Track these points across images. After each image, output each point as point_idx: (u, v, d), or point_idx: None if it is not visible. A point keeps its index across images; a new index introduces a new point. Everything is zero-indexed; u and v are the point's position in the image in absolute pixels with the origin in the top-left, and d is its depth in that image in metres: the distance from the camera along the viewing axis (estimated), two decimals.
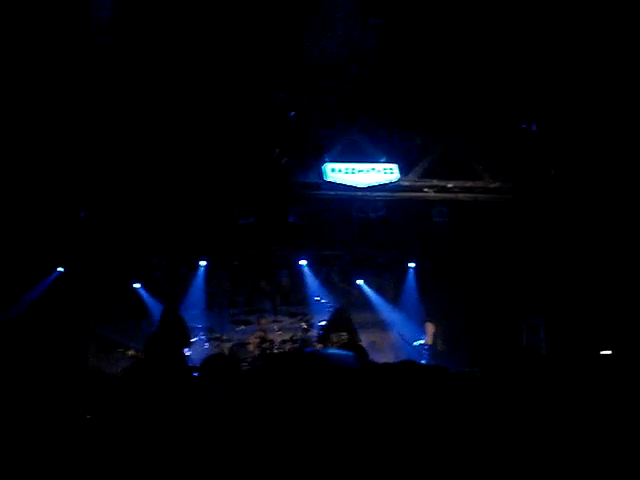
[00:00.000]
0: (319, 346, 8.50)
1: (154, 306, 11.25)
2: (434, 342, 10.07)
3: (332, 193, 10.03)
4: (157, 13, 8.20)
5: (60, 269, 10.69)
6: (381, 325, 12.02)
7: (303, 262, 11.65)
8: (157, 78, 8.88)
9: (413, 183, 10.12)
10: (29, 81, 8.29)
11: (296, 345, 10.33)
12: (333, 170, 9.80)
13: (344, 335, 8.71)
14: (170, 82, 8.99)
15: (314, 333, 11.20)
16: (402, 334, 10.95)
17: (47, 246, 9.96)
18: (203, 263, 11.54)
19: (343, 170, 9.83)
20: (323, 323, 10.25)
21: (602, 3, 8.02)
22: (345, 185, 9.84)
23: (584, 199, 10.37)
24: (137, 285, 11.31)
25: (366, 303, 12.11)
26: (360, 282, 12.37)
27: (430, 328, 10.15)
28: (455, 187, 10.19)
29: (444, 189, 10.21)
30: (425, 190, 10.20)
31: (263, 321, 10.44)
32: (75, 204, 9.60)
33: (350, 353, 0.88)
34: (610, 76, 9.05)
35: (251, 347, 8.45)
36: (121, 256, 10.66)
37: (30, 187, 9.09)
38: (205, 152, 9.52)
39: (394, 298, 12.39)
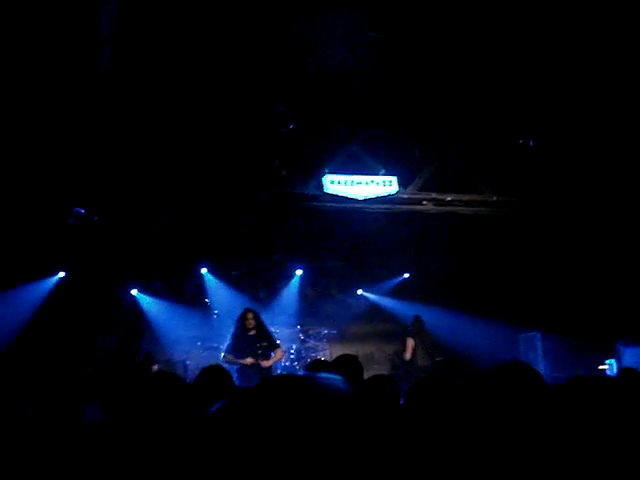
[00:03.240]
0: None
1: (153, 314, 11.29)
2: (414, 357, 10.04)
3: (331, 205, 10.06)
4: (160, 21, 8.24)
5: (61, 274, 10.68)
6: (379, 337, 12.02)
7: (299, 272, 11.68)
8: (158, 90, 8.93)
9: (412, 196, 10.14)
10: (33, 86, 8.34)
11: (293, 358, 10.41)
12: (332, 182, 9.84)
13: (264, 344, 8.54)
14: (171, 93, 9.04)
15: (311, 344, 11.23)
16: None
17: (45, 254, 10.00)
18: (204, 271, 11.56)
19: (342, 182, 9.87)
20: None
21: (598, 16, 8.03)
22: (344, 197, 9.88)
23: (582, 213, 10.37)
24: (134, 291, 11.30)
25: (364, 314, 12.11)
26: (360, 292, 12.37)
27: (410, 343, 10.12)
28: (454, 200, 10.21)
29: (443, 202, 10.23)
30: (424, 203, 10.22)
31: None
32: (73, 212, 9.60)
33: (339, 377, 0.87)
34: (607, 89, 9.07)
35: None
36: (119, 265, 10.69)
37: (31, 195, 9.14)
38: (205, 162, 9.57)
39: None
